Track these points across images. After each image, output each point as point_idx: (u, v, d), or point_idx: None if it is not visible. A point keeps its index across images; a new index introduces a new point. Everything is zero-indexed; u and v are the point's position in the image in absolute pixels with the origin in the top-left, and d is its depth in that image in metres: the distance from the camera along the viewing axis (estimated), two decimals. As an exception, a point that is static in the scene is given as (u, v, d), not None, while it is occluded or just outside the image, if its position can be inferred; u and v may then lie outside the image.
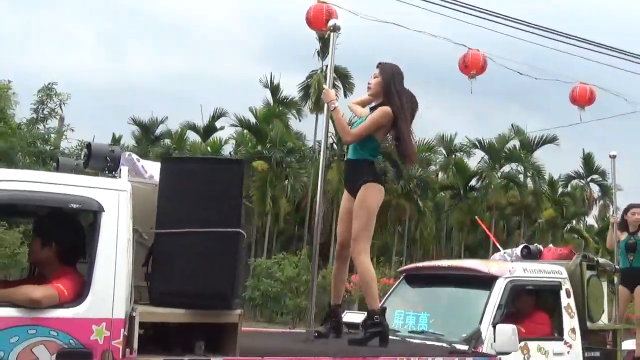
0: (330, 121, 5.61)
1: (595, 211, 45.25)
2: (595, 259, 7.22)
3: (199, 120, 39.29)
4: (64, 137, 21.82)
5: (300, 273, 23.84)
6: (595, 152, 42.42)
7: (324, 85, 5.50)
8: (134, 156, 4.65)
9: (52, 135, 21.46)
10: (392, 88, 5.34)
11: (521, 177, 41.91)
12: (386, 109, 5.29)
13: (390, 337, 5.36)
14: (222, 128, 39.16)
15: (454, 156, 41.37)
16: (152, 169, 4.50)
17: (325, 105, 5.49)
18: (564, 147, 44.14)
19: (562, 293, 6.63)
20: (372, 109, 5.44)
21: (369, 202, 5.26)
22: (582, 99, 11.16)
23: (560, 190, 44.62)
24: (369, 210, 5.26)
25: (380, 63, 5.46)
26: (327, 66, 5.79)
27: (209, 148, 37.55)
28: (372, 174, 5.31)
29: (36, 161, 19.77)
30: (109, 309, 3.64)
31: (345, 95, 34.23)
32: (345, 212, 5.49)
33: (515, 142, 40.82)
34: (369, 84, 5.46)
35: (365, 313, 5.57)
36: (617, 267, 7.74)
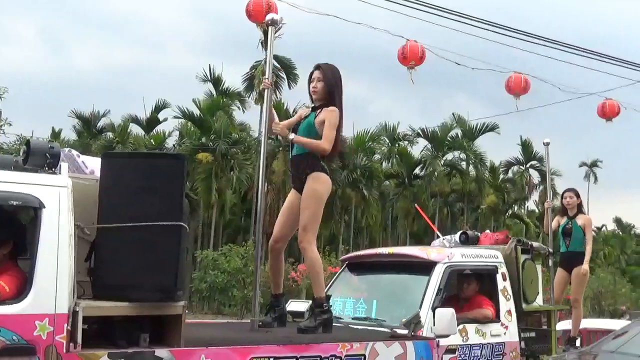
0: (270, 111, 5.66)
1: (535, 196, 46.43)
2: (529, 243, 7.48)
3: (142, 113, 38.83)
4: (1, 131, 21.33)
5: (247, 264, 23.79)
6: (534, 139, 43.53)
7: (275, 119, 5.53)
8: (74, 152, 4.66)
9: (-11, 129, 20.96)
10: (334, 90, 5.47)
11: (464, 164, 42.73)
12: (336, 110, 5.42)
13: (333, 323, 5.50)
14: (165, 120, 38.79)
15: (397, 145, 41.85)
16: (93, 164, 4.52)
17: (266, 94, 5.59)
18: (504, 135, 45.13)
19: (499, 276, 6.85)
20: (315, 109, 5.52)
21: (317, 191, 5.35)
22: (518, 88, 11.50)
23: (501, 176, 45.63)
24: (317, 200, 5.35)
25: (319, 65, 5.56)
26: (269, 57, 5.82)
27: (152, 141, 37.12)
28: (317, 166, 5.41)
29: (-27, 157, 19.25)
30: (52, 304, 3.66)
31: (289, 87, 34.28)
32: (288, 205, 5.58)
33: (458, 131, 41.56)
34: (314, 88, 5.52)
35: (310, 301, 5.69)
36: (550, 250, 8.04)
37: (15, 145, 20.04)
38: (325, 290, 6.65)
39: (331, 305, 5.52)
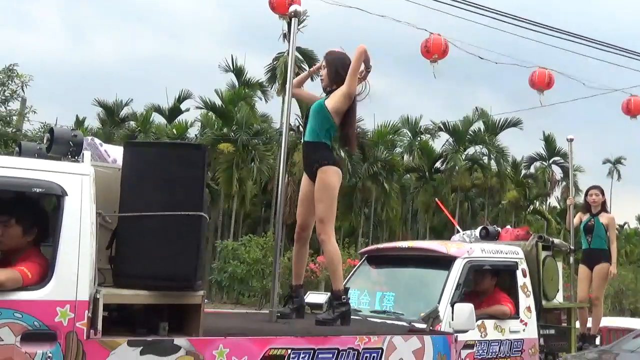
0: (292, 103, 5.71)
1: (557, 192, 46.07)
2: (550, 239, 7.42)
3: (164, 103, 39.03)
4: (26, 119, 21.48)
5: (267, 255, 23.86)
6: (558, 134, 43.15)
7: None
8: (97, 140, 4.70)
9: (14, 117, 21.10)
10: (341, 75, 5.47)
11: (485, 159, 42.44)
12: (355, 89, 5.44)
13: (352, 316, 5.50)
14: (187, 110, 38.95)
15: (419, 138, 41.68)
16: (115, 153, 4.55)
17: (288, 88, 5.62)
18: (526, 130, 44.83)
19: (519, 273, 6.81)
20: (328, 94, 5.56)
21: (329, 183, 5.36)
22: (541, 83, 11.40)
23: (523, 172, 45.31)
24: (330, 191, 5.37)
25: (327, 53, 5.60)
26: (292, 50, 5.84)
27: (174, 130, 37.29)
28: (328, 157, 5.45)
29: (-2, 143, 19.47)
30: (73, 291, 3.69)
31: (311, 79, 34.16)
32: (304, 194, 5.62)
33: (479, 125, 41.30)
34: (320, 76, 5.60)
35: (329, 293, 5.71)
36: (571, 248, 7.98)
37: (39, 133, 20.18)
38: (344, 283, 6.68)
39: (349, 298, 5.52)
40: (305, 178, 5.65)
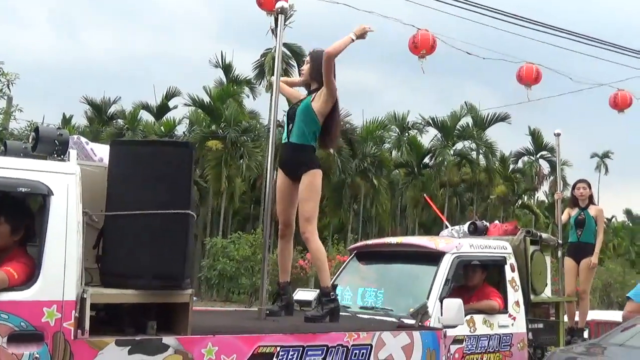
0: (280, 100, 5.72)
1: (545, 187, 46.27)
2: (538, 234, 7.45)
3: (152, 100, 38.87)
4: (12, 117, 21.36)
5: (256, 252, 23.85)
6: (546, 128, 43.35)
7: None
8: (83, 139, 4.67)
9: (0, 115, 20.98)
10: (322, 74, 5.46)
11: (474, 154, 42.54)
12: (336, 89, 5.45)
13: (341, 313, 5.51)
14: (175, 107, 38.78)
15: (407, 134, 41.73)
16: (102, 152, 4.52)
17: (275, 84, 5.61)
18: (515, 125, 45.01)
19: (507, 267, 6.84)
20: (310, 93, 5.57)
21: (316, 186, 5.45)
22: (529, 78, 11.42)
23: (511, 166, 45.46)
24: (317, 192, 5.47)
25: (311, 51, 5.62)
26: (279, 46, 5.82)
27: (162, 128, 37.15)
28: (315, 160, 5.52)
29: (-17, 142, 19.25)
30: (60, 291, 3.68)
31: (299, 74, 34.09)
32: (283, 192, 5.63)
33: (468, 120, 41.41)
34: (302, 70, 5.62)
35: (318, 290, 5.71)
36: (559, 242, 8.02)
37: (26, 132, 20.06)
38: (334, 279, 6.70)
39: (337, 295, 5.53)
40: (281, 175, 5.65)
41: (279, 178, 5.70)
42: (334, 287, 5.52)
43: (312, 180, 5.43)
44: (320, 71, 5.45)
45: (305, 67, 5.66)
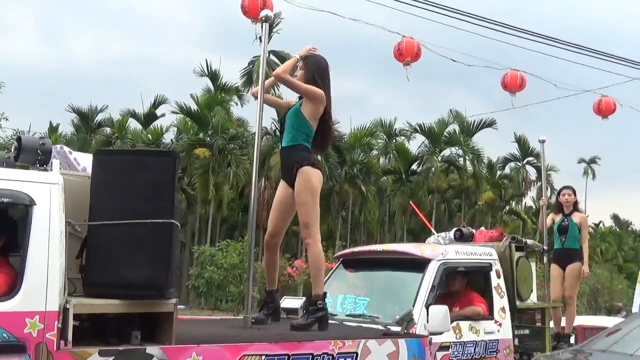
0: (266, 107, 5.68)
1: (532, 192, 46.49)
2: (523, 240, 7.48)
3: (139, 107, 38.79)
4: (-2, 126, 21.26)
5: (244, 260, 23.78)
6: (532, 134, 43.60)
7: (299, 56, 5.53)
8: (66, 149, 4.65)
9: (-15, 125, 20.88)
10: (316, 80, 5.44)
11: (461, 160, 42.72)
12: (319, 91, 5.40)
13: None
14: (162, 115, 38.73)
15: (394, 141, 41.84)
16: (85, 161, 4.51)
17: (259, 92, 5.57)
18: (501, 131, 45.23)
19: (493, 274, 6.87)
20: (301, 98, 5.55)
21: (311, 185, 5.28)
22: (513, 85, 11.51)
23: (498, 172, 45.66)
24: (313, 192, 5.28)
25: (305, 57, 5.58)
26: (263, 54, 5.82)
27: (149, 136, 37.06)
28: (307, 158, 5.40)
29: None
30: (42, 301, 3.65)
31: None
32: (280, 199, 5.56)
33: (455, 127, 41.58)
34: (295, 75, 5.56)
35: (304, 298, 5.69)
36: (545, 248, 8.05)
37: (11, 141, 19.97)
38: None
39: (327, 303, 5.49)
40: (282, 184, 5.58)
41: (279, 187, 5.63)
42: (325, 295, 5.47)
43: (306, 179, 5.26)
44: (313, 77, 5.45)
45: (299, 73, 5.54)
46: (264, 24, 5.69)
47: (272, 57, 29.14)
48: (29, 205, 3.77)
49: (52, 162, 4.04)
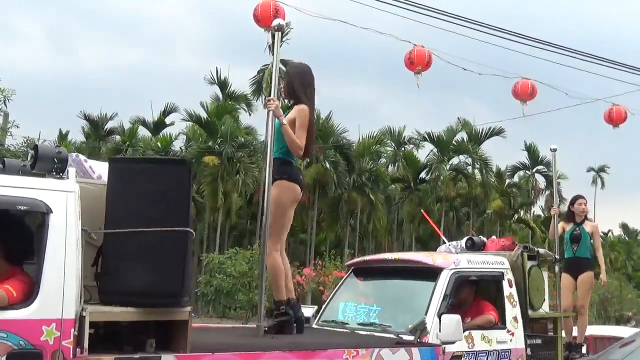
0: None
1: (541, 201, 46.36)
2: (535, 249, 7.45)
3: (148, 115, 38.97)
4: (8, 134, 21.37)
5: (253, 268, 23.77)
6: (542, 143, 43.50)
7: (272, 98, 5.50)
8: (82, 157, 4.68)
9: (-4, 132, 21.01)
10: (298, 87, 5.55)
11: (470, 169, 42.65)
12: (304, 108, 5.49)
13: (339, 329, 5.49)
14: (172, 124, 38.91)
15: (403, 149, 41.82)
16: (100, 169, 4.53)
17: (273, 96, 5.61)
18: (510, 139, 45.15)
19: (505, 283, 6.84)
20: (290, 107, 5.61)
21: (278, 198, 5.42)
22: (524, 93, 11.50)
23: (507, 181, 45.55)
24: (277, 207, 5.42)
25: (287, 65, 5.63)
26: (276, 62, 5.84)
27: (159, 144, 37.18)
28: (282, 172, 5.49)
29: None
30: (59, 309, 3.67)
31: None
32: None
33: (463, 135, 41.53)
34: (281, 87, 5.64)
35: (315, 307, 5.70)
36: (556, 257, 8.01)
37: (22, 148, 20.08)
38: (331, 296, 6.71)
39: (291, 308, 5.48)
40: None
41: None
42: (288, 300, 5.48)
43: (274, 193, 5.40)
44: (293, 89, 5.56)
45: (283, 84, 5.68)
46: (276, 32, 5.70)
47: (281, 66, 29.19)
48: (45, 213, 3.79)
49: (68, 170, 4.06)
